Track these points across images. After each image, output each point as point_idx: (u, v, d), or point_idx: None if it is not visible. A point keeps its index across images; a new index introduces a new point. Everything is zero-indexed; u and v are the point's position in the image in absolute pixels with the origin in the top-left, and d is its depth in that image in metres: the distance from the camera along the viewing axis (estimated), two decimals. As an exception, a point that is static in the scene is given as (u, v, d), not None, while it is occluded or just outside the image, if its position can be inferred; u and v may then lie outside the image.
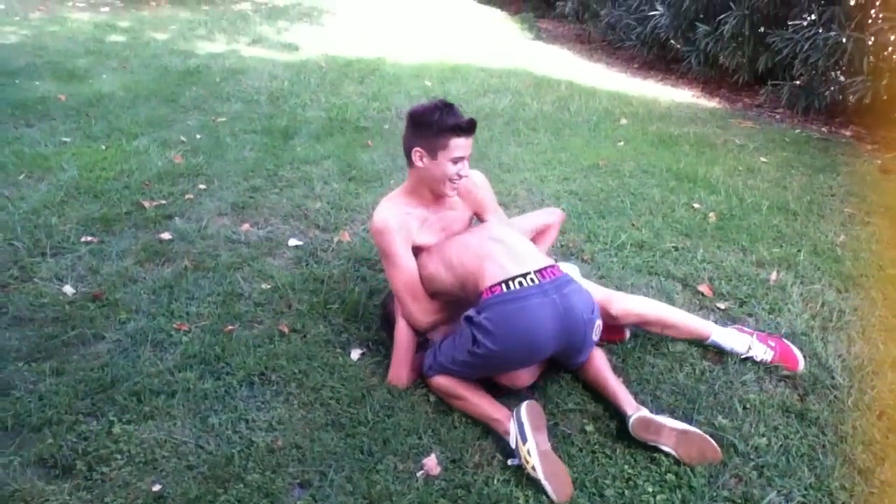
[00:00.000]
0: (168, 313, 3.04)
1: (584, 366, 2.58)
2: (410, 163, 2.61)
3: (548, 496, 2.14)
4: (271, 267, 3.46)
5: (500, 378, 2.53)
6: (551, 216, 3.11)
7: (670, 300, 3.23)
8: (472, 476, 2.25)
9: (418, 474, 2.25)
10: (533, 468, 2.17)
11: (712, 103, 7.33)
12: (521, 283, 2.34)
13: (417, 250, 2.67)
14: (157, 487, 2.17)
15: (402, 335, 2.66)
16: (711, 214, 4.23)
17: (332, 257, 3.60)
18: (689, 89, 7.85)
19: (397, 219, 2.63)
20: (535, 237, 3.00)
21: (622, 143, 5.62)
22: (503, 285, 2.35)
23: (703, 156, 5.39)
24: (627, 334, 2.92)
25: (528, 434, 2.21)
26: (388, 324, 2.83)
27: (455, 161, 2.53)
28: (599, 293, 2.82)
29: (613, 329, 2.90)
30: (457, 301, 2.61)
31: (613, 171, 4.93)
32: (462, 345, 2.42)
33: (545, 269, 2.42)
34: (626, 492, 2.18)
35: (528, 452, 2.19)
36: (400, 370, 2.65)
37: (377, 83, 7.12)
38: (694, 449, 2.26)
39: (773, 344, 2.80)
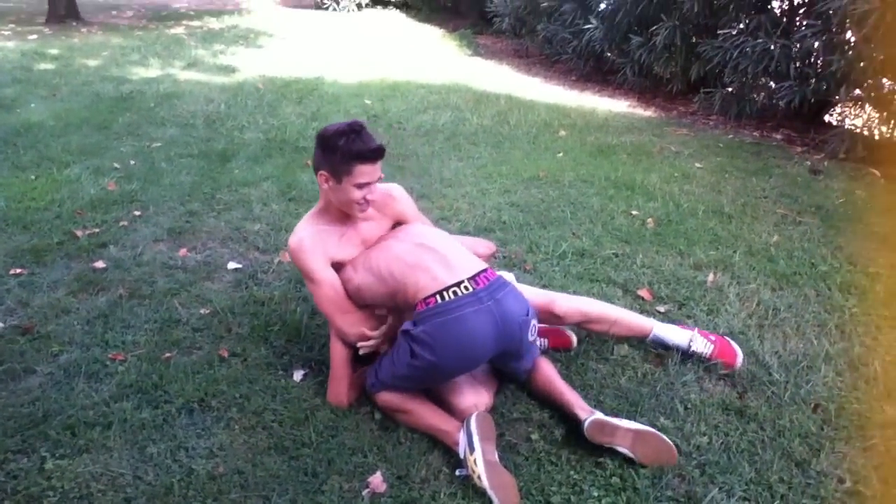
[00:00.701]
0: (103, 343, 2.95)
1: (533, 375, 2.58)
2: (319, 184, 2.57)
3: None
4: (210, 291, 3.39)
5: (460, 402, 2.48)
6: (484, 249, 2.98)
7: (611, 306, 3.27)
8: (418, 491, 2.22)
9: (364, 493, 2.22)
10: (479, 478, 2.16)
11: (648, 112, 7.48)
12: (455, 293, 2.34)
13: (339, 266, 2.62)
14: (92, 523, 2.10)
15: (337, 353, 2.62)
16: (649, 220, 4.30)
17: (273, 279, 3.55)
18: (625, 100, 8.01)
19: (312, 237, 2.58)
20: None
21: (561, 155, 5.69)
22: (437, 296, 2.34)
23: (640, 164, 5.49)
24: (574, 342, 2.93)
25: (476, 444, 2.20)
26: None
27: (360, 186, 2.47)
28: (541, 296, 2.84)
29: (560, 337, 2.92)
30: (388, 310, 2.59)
31: (553, 181, 4.99)
32: (401, 359, 2.40)
33: (478, 275, 2.42)
34: (573, 497, 2.18)
35: (475, 462, 2.17)
36: (338, 388, 2.61)
37: (316, 103, 7.09)
38: (650, 449, 2.27)
39: (713, 339, 2.86)
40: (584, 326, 2.89)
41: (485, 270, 2.45)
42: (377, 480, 2.25)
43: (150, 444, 2.40)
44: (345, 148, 2.41)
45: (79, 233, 3.92)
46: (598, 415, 2.34)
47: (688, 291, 3.44)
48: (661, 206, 4.54)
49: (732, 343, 2.86)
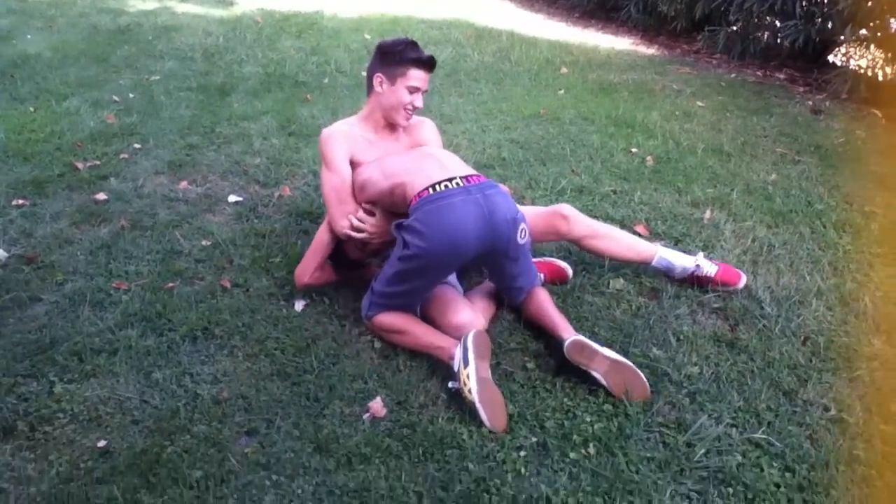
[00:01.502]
0: (106, 273, 3.00)
1: (528, 300, 2.63)
2: (370, 88, 2.81)
3: (483, 423, 2.21)
4: (211, 224, 3.43)
5: (456, 319, 2.55)
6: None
7: (608, 241, 3.31)
8: (417, 416, 2.29)
9: (364, 417, 2.29)
10: (470, 391, 2.22)
11: (651, 51, 7.39)
12: (446, 186, 2.44)
13: (356, 165, 2.80)
14: (102, 443, 2.16)
15: (321, 236, 2.83)
16: (649, 158, 4.30)
17: (274, 212, 3.58)
18: (628, 37, 7.90)
19: (344, 133, 2.82)
20: None
21: (562, 92, 5.66)
22: (430, 189, 2.44)
23: (641, 102, 5.46)
24: (570, 274, 2.98)
25: (470, 359, 2.26)
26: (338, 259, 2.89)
27: (411, 90, 2.74)
28: (547, 207, 2.98)
29: (556, 270, 2.97)
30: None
31: (554, 119, 4.97)
32: (393, 256, 2.50)
33: (471, 175, 2.53)
34: (566, 422, 2.25)
35: (468, 376, 2.24)
36: (307, 263, 2.82)
37: (315, 37, 7.00)
38: (623, 380, 2.31)
39: (715, 263, 2.95)
40: (586, 243, 2.91)
41: (478, 175, 2.57)
42: (377, 405, 2.32)
43: (155, 370, 2.47)
44: (403, 53, 2.72)
45: (79, 165, 3.94)
46: (581, 337, 2.39)
47: (684, 228, 3.47)
48: (661, 144, 4.54)
49: (733, 268, 2.97)
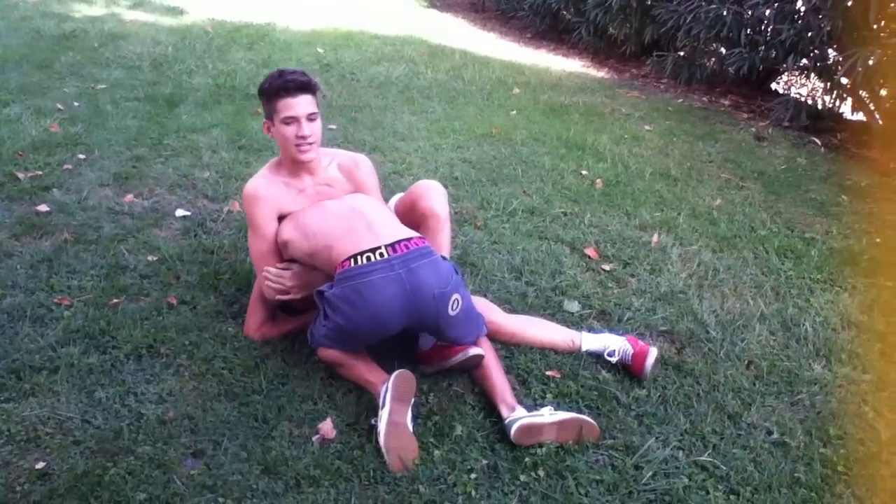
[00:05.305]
0: (48, 288, 2.91)
1: None
2: None
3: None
4: (158, 238, 3.36)
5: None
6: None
7: (559, 263, 3.35)
8: (367, 438, 2.28)
9: (314, 439, 2.26)
10: (378, 434, 2.20)
11: (601, 73, 7.53)
12: (369, 258, 2.33)
13: (285, 216, 2.64)
14: (40, 465, 2.10)
15: (257, 290, 2.71)
16: (598, 181, 4.37)
17: (223, 227, 3.52)
18: (579, 59, 8.04)
19: (269, 187, 2.62)
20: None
21: (514, 112, 5.72)
22: (352, 260, 2.33)
23: (591, 125, 5.55)
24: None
25: (386, 401, 2.23)
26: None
27: (287, 122, 2.51)
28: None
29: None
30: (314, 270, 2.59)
31: (506, 139, 5.02)
32: (319, 319, 2.42)
33: (398, 242, 2.38)
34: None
35: (380, 418, 2.22)
36: (248, 320, 2.74)
37: (267, 50, 6.94)
38: (574, 433, 2.28)
39: (633, 350, 2.64)
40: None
41: (408, 239, 2.42)
42: (327, 427, 2.29)
43: (98, 389, 2.40)
44: (268, 86, 2.53)
45: (21, 175, 3.82)
46: (521, 415, 2.30)
47: (632, 251, 3.53)
48: (611, 168, 4.62)
49: (648, 359, 2.59)
